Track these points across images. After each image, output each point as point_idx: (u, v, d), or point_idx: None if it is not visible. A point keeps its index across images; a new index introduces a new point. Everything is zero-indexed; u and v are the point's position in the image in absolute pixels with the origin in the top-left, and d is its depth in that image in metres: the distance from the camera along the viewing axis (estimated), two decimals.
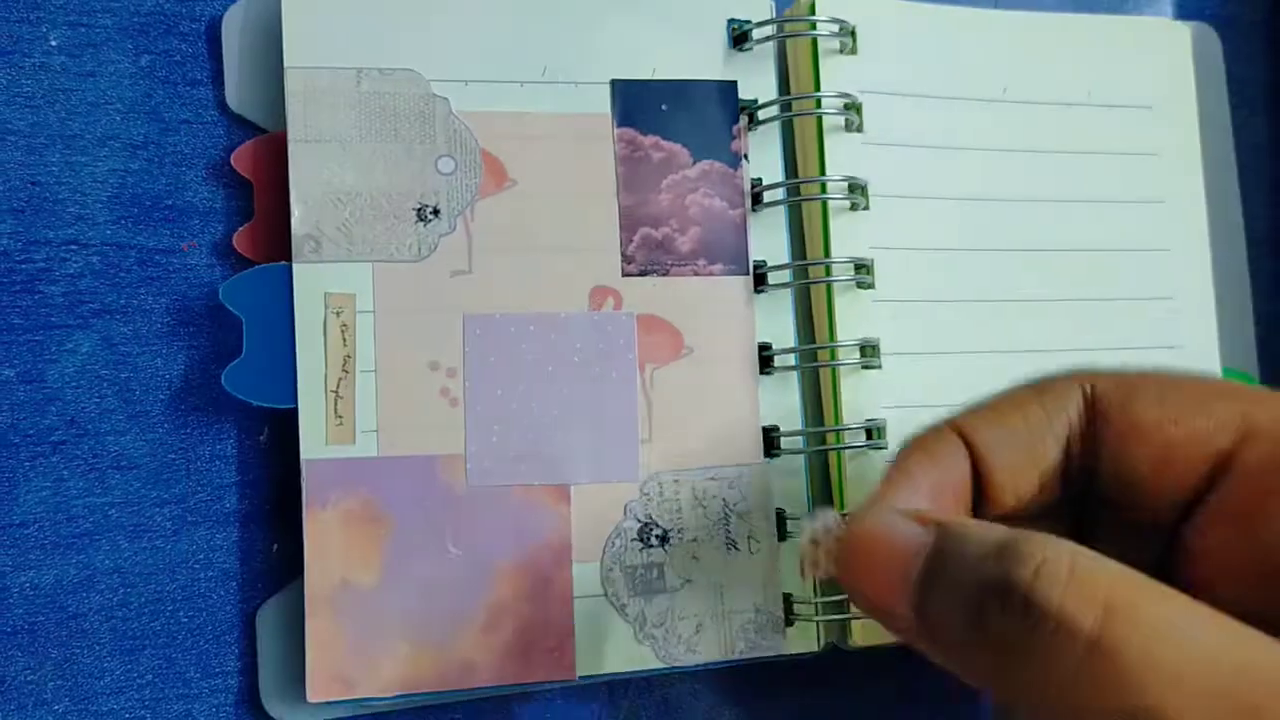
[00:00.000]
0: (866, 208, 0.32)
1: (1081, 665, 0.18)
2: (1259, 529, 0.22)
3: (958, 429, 0.25)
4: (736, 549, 0.31)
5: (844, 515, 0.24)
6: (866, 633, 0.31)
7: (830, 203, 0.32)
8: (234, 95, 0.31)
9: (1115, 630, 0.17)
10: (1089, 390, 0.25)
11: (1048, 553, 0.19)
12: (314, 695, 0.28)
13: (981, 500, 0.25)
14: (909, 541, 0.21)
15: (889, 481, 0.24)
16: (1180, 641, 0.17)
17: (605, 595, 0.30)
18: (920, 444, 0.25)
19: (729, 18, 0.33)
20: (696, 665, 0.31)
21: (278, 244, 0.30)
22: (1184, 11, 0.40)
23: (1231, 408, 0.23)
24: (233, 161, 0.30)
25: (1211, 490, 0.23)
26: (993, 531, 0.20)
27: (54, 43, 0.30)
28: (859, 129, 0.33)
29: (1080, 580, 0.18)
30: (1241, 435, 0.23)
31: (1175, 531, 0.24)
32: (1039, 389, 0.25)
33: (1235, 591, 0.22)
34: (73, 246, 0.30)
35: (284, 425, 0.30)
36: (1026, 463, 0.24)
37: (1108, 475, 0.24)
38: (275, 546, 0.30)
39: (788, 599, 0.31)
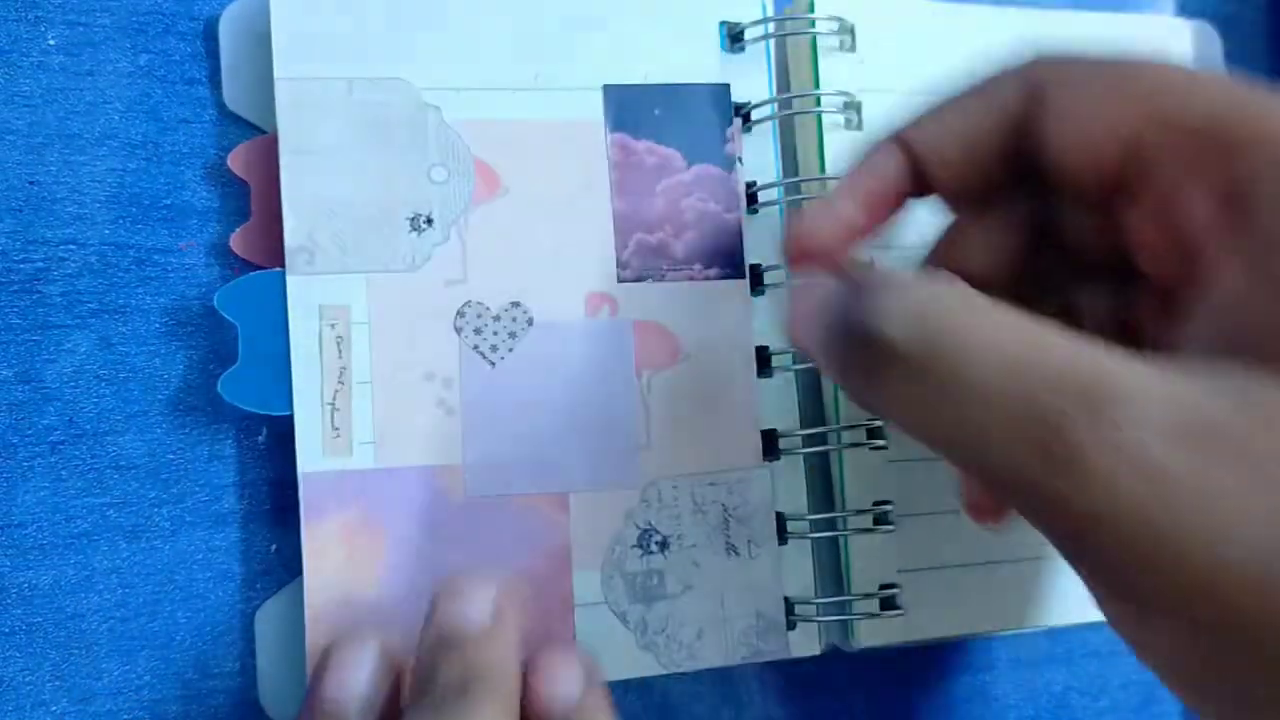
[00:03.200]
0: None
1: (906, 384, 0.20)
2: (1168, 218, 0.23)
3: (897, 136, 0.27)
4: (737, 554, 0.31)
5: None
6: (868, 634, 0.31)
7: None
8: (231, 95, 0.31)
9: (923, 353, 0.20)
10: (1031, 77, 0.25)
11: (880, 286, 0.21)
12: None
13: (926, 192, 0.27)
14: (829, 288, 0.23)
15: (835, 190, 0.27)
16: (980, 359, 0.19)
17: (606, 603, 0.30)
18: (862, 156, 0.27)
19: (721, 20, 0.33)
20: (698, 671, 0.31)
21: (274, 246, 0.30)
22: (1185, 9, 0.41)
23: (1145, 97, 0.23)
24: (229, 163, 0.30)
25: (1127, 177, 0.24)
26: (878, 272, 0.22)
27: (52, 42, 0.30)
28: (859, 127, 0.33)
29: (897, 313, 0.20)
30: (1150, 123, 0.23)
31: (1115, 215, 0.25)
32: (983, 83, 0.26)
33: (1162, 268, 0.24)
34: (71, 246, 0.30)
35: (283, 425, 0.29)
36: (960, 153, 0.26)
37: (1046, 160, 0.25)
38: (274, 547, 0.30)
39: (789, 602, 0.31)
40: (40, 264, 0.29)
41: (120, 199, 0.30)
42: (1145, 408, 0.18)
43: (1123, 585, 0.20)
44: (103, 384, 0.29)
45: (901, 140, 0.26)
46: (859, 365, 0.21)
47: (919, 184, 0.27)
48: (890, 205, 0.27)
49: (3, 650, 0.28)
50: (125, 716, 0.29)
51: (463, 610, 0.25)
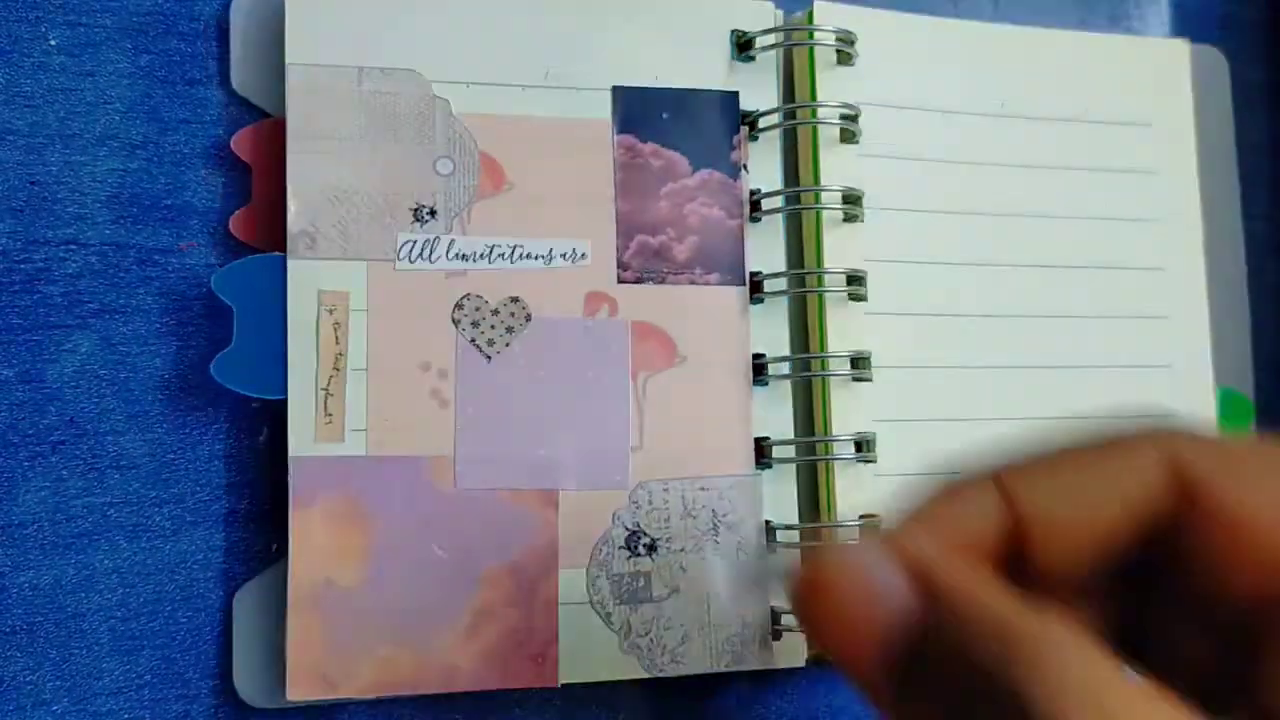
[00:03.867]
0: (861, 220, 0.32)
1: None
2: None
3: (997, 479, 0.20)
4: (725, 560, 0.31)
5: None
6: None
7: (824, 214, 0.32)
8: (238, 77, 0.31)
9: None
10: (1173, 459, 0.20)
11: (1050, 651, 0.16)
12: (294, 693, 0.28)
13: (1018, 565, 0.20)
14: (887, 595, 0.18)
15: (901, 523, 0.20)
16: None
17: (591, 603, 0.30)
18: (947, 488, 0.20)
19: (733, 28, 0.33)
20: (681, 676, 0.31)
21: (274, 230, 0.30)
22: (1184, 11, 0.40)
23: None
24: (233, 145, 0.30)
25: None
26: (995, 604, 0.17)
27: (53, 42, 0.30)
28: (855, 140, 0.33)
29: (1079, 690, 0.16)
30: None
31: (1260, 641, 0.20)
32: (1105, 445, 0.20)
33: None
34: (72, 246, 0.30)
35: (283, 425, 0.30)
36: (1079, 525, 0.20)
37: (1188, 563, 0.20)
38: (275, 546, 0.30)
39: (775, 612, 0.31)
40: (41, 264, 0.29)
41: (121, 199, 0.30)
42: None
43: None
44: (103, 384, 0.30)
45: (1005, 491, 0.20)
46: None
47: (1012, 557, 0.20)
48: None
49: (4, 649, 0.29)
50: (126, 715, 0.29)
51: None
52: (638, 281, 0.32)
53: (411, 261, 0.30)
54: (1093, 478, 0.20)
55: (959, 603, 0.17)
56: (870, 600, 0.18)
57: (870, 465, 0.32)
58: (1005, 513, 0.20)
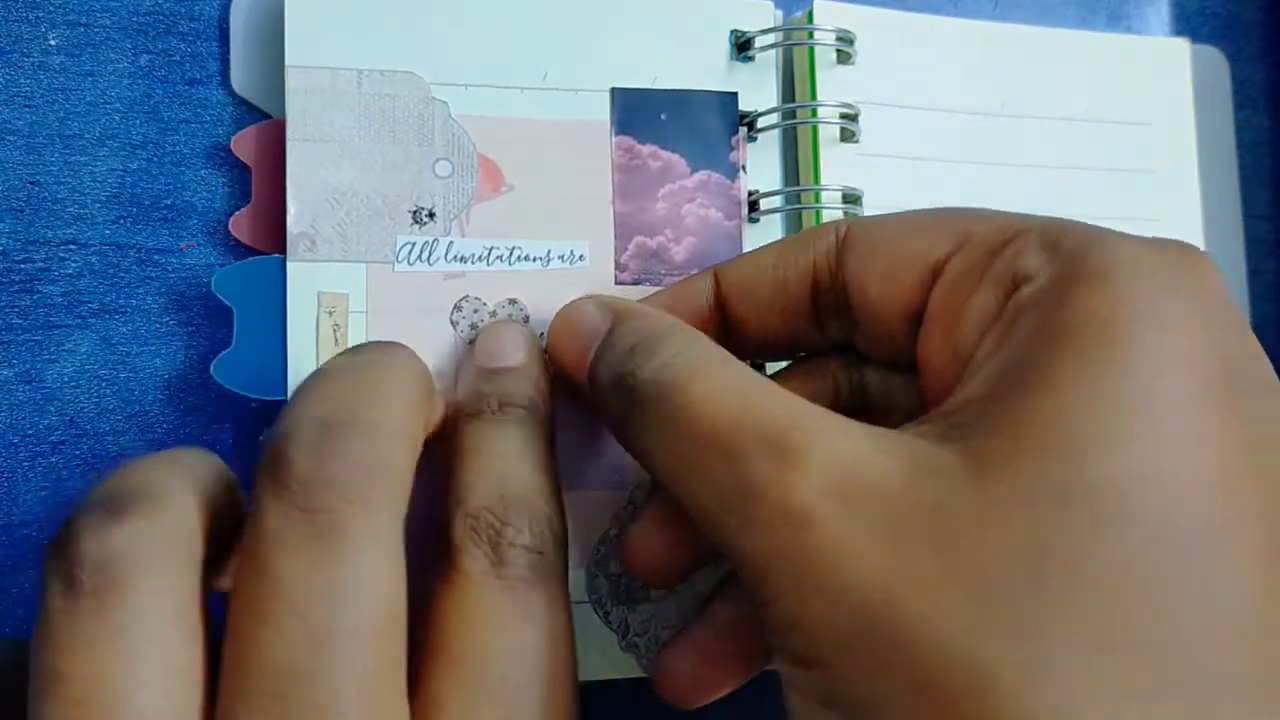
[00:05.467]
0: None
1: (649, 427, 0.23)
2: (954, 331, 0.23)
3: (714, 272, 0.28)
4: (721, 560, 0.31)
5: None
6: None
7: (824, 214, 0.32)
8: (239, 78, 0.31)
9: (665, 400, 0.22)
10: (842, 230, 0.27)
11: (639, 336, 0.24)
12: None
13: (729, 336, 0.28)
14: (594, 324, 0.26)
15: (641, 301, 0.28)
16: (702, 405, 0.22)
17: (589, 602, 0.30)
18: (680, 282, 0.29)
19: (732, 28, 0.33)
20: None
21: (273, 231, 0.30)
22: (1184, 11, 0.40)
23: (954, 224, 0.24)
24: (233, 146, 0.30)
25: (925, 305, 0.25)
26: (644, 323, 0.25)
27: (53, 42, 0.30)
28: (855, 140, 0.33)
29: (653, 362, 0.23)
30: (957, 245, 0.24)
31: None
32: (797, 237, 0.28)
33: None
34: (72, 246, 0.30)
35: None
36: (767, 297, 0.27)
37: (852, 302, 0.26)
38: None
39: None
40: (41, 264, 0.30)
41: (121, 199, 0.30)
42: (817, 459, 0.20)
43: (768, 625, 0.20)
44: (103, 384, 0.30)
45: (716, 272, 0.28)
46: (617, 405, 0.24)
47: (723, 320, 0.28)
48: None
49: None
50: None
51: (500, 351, 0.28)
52: (635, 283, 0.32)
53: (410, 263, 0.30)
54: (781, 251, 0.27)
55: (624, 315, 0.26)
56: (580, 327, 0.26)
57: None
58: (713, 285, 0.28)
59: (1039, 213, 0.24)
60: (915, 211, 0.26)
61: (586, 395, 0.26)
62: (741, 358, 0.24)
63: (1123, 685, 0.17)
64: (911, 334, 0.25)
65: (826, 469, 0.20)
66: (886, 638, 0.18)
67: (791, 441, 0.20)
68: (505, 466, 0.24)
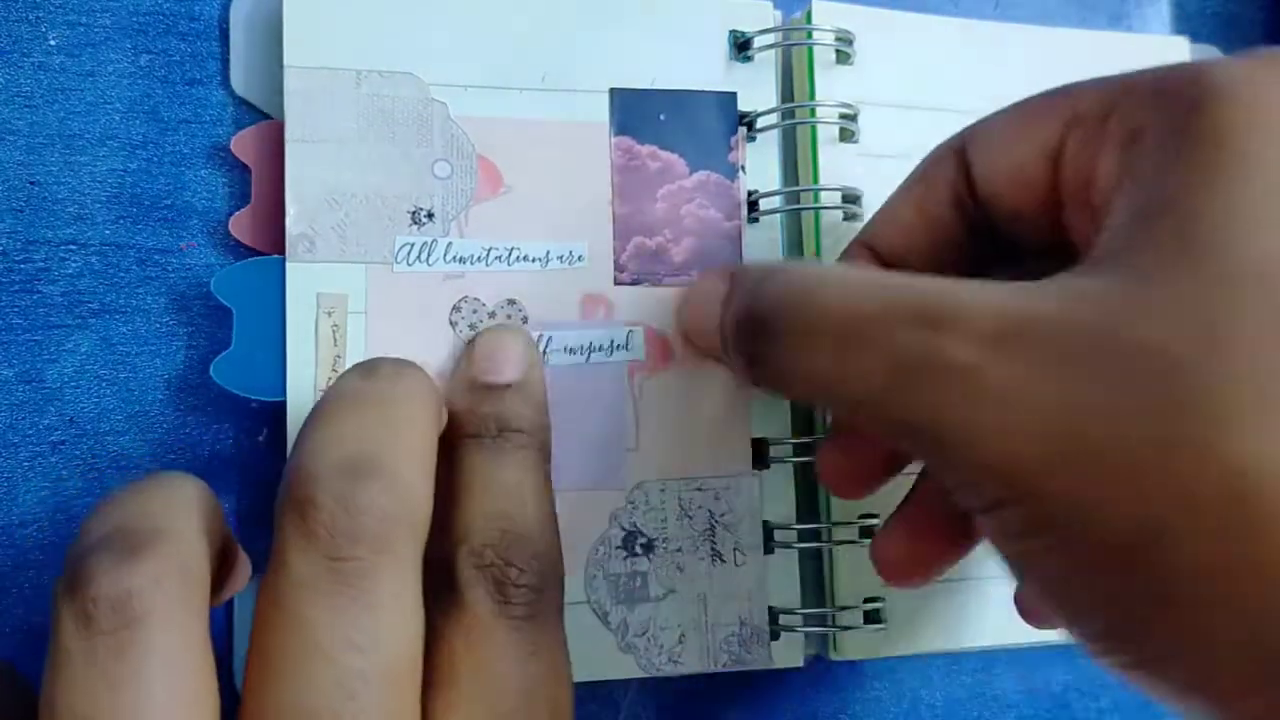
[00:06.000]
0: (860, 219, 0.32)
1: (782, 351, 0.23)
2: (1090, 202, 0.24)
3: (863, 243, 0.29)
4: (722, 560, 0.31)
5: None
6: (850, 647, 0.31)
7: (822, 215, 0.32)
8: (238, 78, 0.31)
9: (784, 321, 0.23)
10: (959, 146, 0.27)
11: (753, 273, 0.25)
12: None
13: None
14: (714, 289, 0.27)
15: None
16: (833, 308, 0.22)
17: (588, 602, 0.30)
18: (840, 259, 0.30)
19: (731, 28, 0.33)
20: (679, 676, 0.31)
21: (272, 232, 0.30)
22: (1184, 10, 0.40)
23: (1057, 106, 0.25)
24: (232, 146, 0.30)
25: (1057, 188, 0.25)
26: (759, 265, 0.27)
27: (53, 42, 0.30)
28: (854, 139, 0.33)
29: (772, 290, 0.24)
30: (1067, 126, 0.24)
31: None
32: (922, 171, 0.28)
33: None
34: (72, 246, 0.30)
35: (283, 426, 0.30)
36: (926, 244, 0.28)
37: (992, 215, 0.27)
38: None
39: (773, 612, 0.31)
40: (41, 264, 0.30)
41: (121, 199, 0.30)
42: (969, 318, 0.20)
43: (959, 491, 0.21)
44: (103, 384, 0.30)
45: (861, 242, 0.29)
46: (744, 341, 0.25)
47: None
48: None
49: (4, 650, 0.29)
50: None
51: (498, 365, 0.28)
52: (634, 283, 0.32)
53: (409, 264, 0.30)
54: (914, 198, 0.28)
55: (740, 268, 0.27)
56: (704, 295, 0.28)
57: None
58: (871, 257, 0.28)
59: None
60: (1018, 104, 0.26)
61: (725, 359, 0.27)
62: None
63: None
64: (1057, 224, 0.26)
65: (981, 322, 0.20)
66: (1073, 455, 0.19)
67: (943, 308, 0.21)
68: (507, 504, 0.25)
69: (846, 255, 0.29)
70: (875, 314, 0.21)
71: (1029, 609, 0.29)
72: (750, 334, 0.25)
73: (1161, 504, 0.18)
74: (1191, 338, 0.18)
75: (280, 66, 0.30)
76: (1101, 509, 0.19)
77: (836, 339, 0.22)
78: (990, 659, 0.35)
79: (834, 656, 0.32)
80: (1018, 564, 0.21)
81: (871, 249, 0.28)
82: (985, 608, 0.31)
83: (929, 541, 0.29)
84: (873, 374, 0.21)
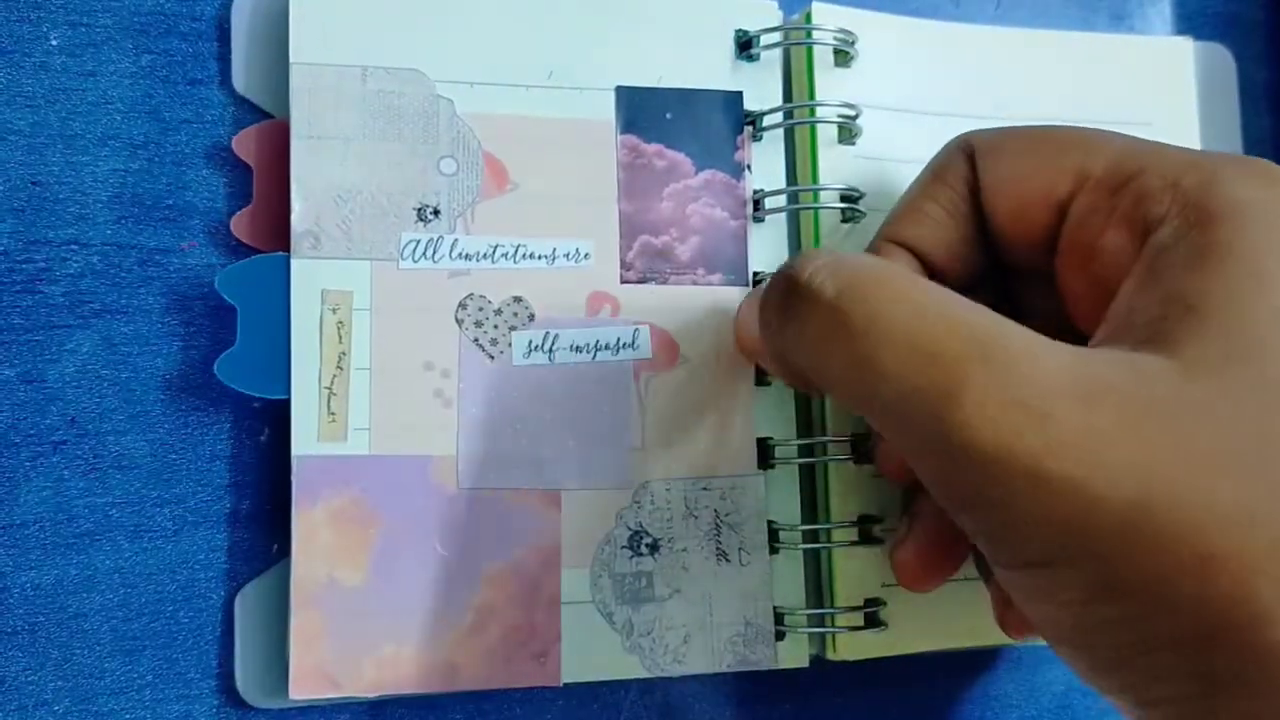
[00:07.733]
0: (861, 220, 0.32)
1: (825, 323, 0.23)
2: (1089, 264, 0.26)
3: (893, 240, 0.29)
4: (727, 560, 0.31)
5: None
6: (849, 648, 0.31)
7: (822, 216, 0.32)
8: (239, 78, 0.31)
9: (847, 300, 0.23)
10: (969, 152, 0.28)
11: (810, 258, 0.25)
12: (297, 692, 0.28)
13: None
14: (752, 309, 0.28)
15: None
16: (893, 310, 0.22)
17: (593, 602, 0.30)
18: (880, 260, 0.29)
19: (736, 27, 0.33)
20: (684, 677, 0.31)
21: (275, 230, 0.30)
22: (1186, 9, 0.40)
23: (1069, 159, 0.26)
24: (234, 146, 0.30)
25: (1058, 236, 0.27)
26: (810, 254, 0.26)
27: (54, 42, 0.30)
28: (853, 140, 0.33)
29: (829, 269, 0.24)
30: (1077, 184, 0.26)
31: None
32: (937, 169, 0.29)
33: (1094, 324, 0.25)
34: (73, 246, 0.30)
35: (285, 425, 0.30)
36: (957, 238, 0.29)
37: (990, 230, 0.28)
38: (276, 547, 0.30)
39: (778, 612, 0.31)
40: (43, 264, 0.29)
41: (122, 199, 0.30)
42: (1038, 363, 0.21)
43: (1000, 528, 0.21)
44: (105, 384, 0.30)
45: (890, 238, 0.29)
46: (792, 311, 0.24)
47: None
48: None
49: (5, 650, 0.28)
50: (127, 716, 0.29)
51: None
52: (640, 282, 0.31)
53: (415, 261, 0.30)
54: (939, 197, 0.29)
55: (781, 275, 0.25)
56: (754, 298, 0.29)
57: (868, 466, 0.32)
58: (912, 256, 0.29)
59: None
60: (1031, 134, 0.28)
61: (767, 355, 0.27)
62: None
63: None
64: (1046, 256, 0.27)
65: (1055, 371, 0.21)
66: (1160, 520, 0.19)
67: (1006, 346, 0.21)
68: None
69: (879, 252, 0.29)
70: (932, 331, 0.22)
71: (1014, 624, 0.29)
72: (788, 308, 0.25)
73: (1266, 586, 0.19)
74: (1254, 431, 0.20)
75: (282, 65, 0.30)
76: (1184, 583, 0.19)
77: (885, 334, 0.22)
78: (990, 659, 0.35)
79: (831, 657, 0.32)
80: (1061, 626, 0.22)
81: (903, 244, 0.29)
82: (985, 608, 0.31)
83: (947, 547, 0.29)
84: (911, 382, 0.21)
